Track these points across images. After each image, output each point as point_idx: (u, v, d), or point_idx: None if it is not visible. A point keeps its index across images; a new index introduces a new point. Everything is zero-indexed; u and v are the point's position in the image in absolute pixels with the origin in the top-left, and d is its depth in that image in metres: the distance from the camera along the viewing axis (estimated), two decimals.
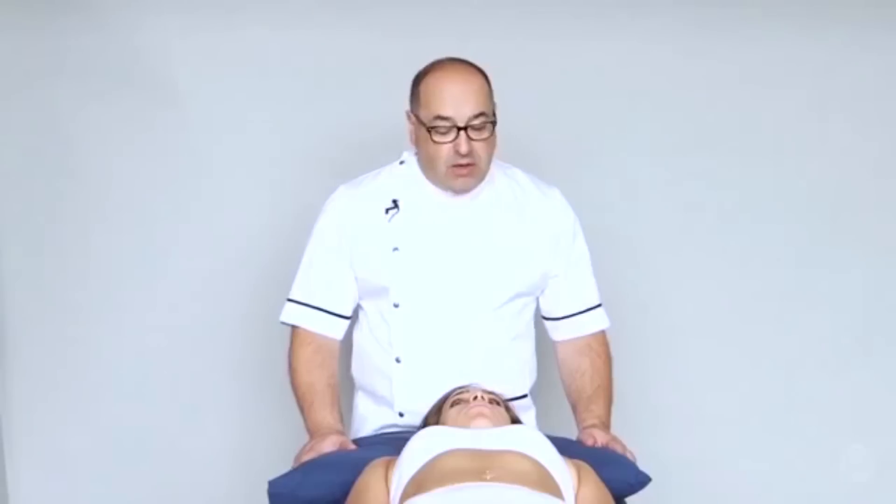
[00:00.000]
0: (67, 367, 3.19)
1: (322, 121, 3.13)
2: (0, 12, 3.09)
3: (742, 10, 3.19)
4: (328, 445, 2.29)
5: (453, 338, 2.37)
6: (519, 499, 1.90)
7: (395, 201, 2.42)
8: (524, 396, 2.48)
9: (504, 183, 2.46)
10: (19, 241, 3.17)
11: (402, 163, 2.47)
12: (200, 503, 3.19)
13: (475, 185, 2.38)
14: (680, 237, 3.24)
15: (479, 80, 2.34)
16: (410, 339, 2.39)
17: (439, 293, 2.38)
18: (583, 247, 2.51)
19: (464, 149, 2.30)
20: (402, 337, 2.39)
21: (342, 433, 2.37)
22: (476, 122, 2.30)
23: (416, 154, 2.43)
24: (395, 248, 2.39)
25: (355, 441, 2.38)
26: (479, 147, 2.32)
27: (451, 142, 2.30)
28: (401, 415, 2.41)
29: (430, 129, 2.31)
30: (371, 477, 2.07)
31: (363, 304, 2.46)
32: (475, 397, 2.19)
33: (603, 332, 2.53)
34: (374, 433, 2.44)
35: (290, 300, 2.47)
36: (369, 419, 2.47)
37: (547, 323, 2.53)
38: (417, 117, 2.35)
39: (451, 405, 2.21)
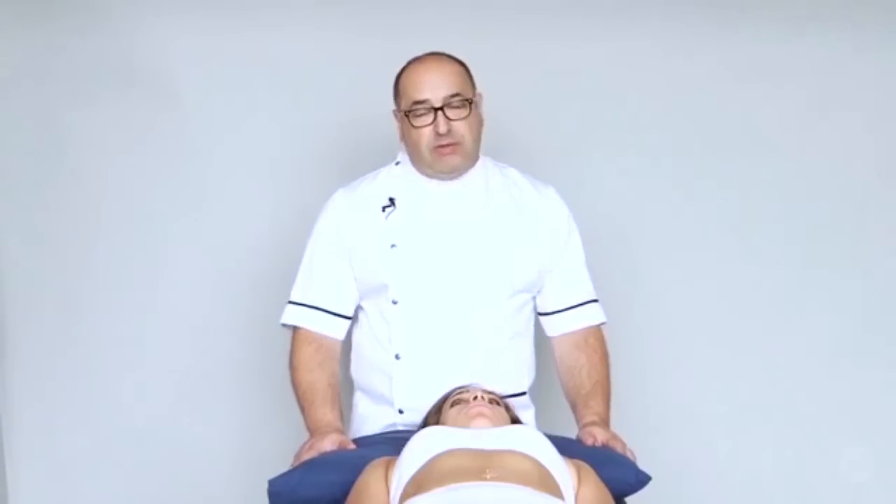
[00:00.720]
0: (67, 366, 3.19)
1: (322, 121, 3.14)
2: (0, 12, 3.09)
3: (742, 10, 3.19)
4: (328, 444, 2.29)
5: (452, 334, 2.38)
6: (519, 499, 1.90)
7: (391, 199, 2.44)
8: (523, 394, 2.48)
9: (500, 181, 2.48)
10: (19, 241, 3.17)
11: (397, 163, 2.50)
12: (200, 503, 3.19)
13: (463, 165, 2.40)
14: (679, 237, 3.24)
15: (454, 66, 2.39)
16: (409, 335, 2.40)
17: (437, 289, 2.39)
18: (577, 243, 2.52)
19: (442, 128, 2.33)
20: (402, 333, 2.40)
21: (342, 432, 2.37)
22: (453, 101, 2.33)
23: (405, 150, 2.45)
24: (393, 245, 2.40)
25: (355, 441, 2.38)
26: (459, 126, 2.35)
27: (430, 124, 2.34)
28: (400, 412, 2.41)
29: (408, 115, 2.35)
30: (371, 477, 2.07)
31: (363, 303, 2.47)
32: (475, 397, 2.19)
33: (599, 329, 2.53)
34: (375, 433, 2.44)
35: (290, 302, 2.48)
36: (369, 419, 2.48)
37: (542, 319, 2.54)
38: (399, 110, 2.39)
39: (451, 405, 2.21)
